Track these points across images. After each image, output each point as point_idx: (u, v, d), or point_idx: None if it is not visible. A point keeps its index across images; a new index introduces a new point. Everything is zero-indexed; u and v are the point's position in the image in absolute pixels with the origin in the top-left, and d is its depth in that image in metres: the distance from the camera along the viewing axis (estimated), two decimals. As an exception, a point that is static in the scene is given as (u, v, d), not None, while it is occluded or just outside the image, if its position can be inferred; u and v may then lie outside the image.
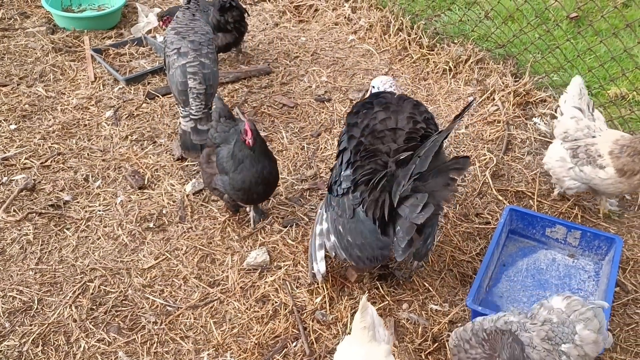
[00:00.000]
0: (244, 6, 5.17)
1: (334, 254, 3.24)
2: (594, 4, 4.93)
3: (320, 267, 3.25)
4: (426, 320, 3.24)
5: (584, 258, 3.57)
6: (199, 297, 3.39)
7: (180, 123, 4.18)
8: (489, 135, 4.51)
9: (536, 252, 3.64)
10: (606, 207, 3.87)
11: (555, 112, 3.98)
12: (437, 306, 3.33)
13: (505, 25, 5.36)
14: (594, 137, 3.59)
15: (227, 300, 3.37)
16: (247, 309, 3.31)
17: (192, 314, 3.30)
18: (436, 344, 3.11)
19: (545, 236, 3.65)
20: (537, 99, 4.81)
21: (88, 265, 3.54)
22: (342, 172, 3.11)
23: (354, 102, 4.86)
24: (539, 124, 4.59)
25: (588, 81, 4.82)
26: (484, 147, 4.40)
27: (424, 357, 3.06)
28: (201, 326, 3.24)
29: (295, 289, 3.42)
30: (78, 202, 3.95)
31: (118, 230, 3.77)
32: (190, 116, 4.03)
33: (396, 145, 2.99)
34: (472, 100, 4.28)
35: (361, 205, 3.02)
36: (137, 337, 3.18)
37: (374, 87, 3.51)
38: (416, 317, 3.26)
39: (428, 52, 5.39)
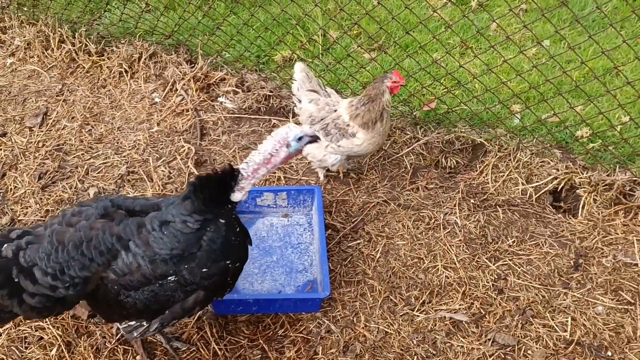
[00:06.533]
0: None
1: None
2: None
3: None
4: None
5: (296, 214, 3.91)
6: None
7: None
8: (182, 126, 4.58)
9: (255, 223, 3.86)
10: (345, 167, 4.16)
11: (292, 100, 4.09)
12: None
13: (165, 16, 5.41)
14: (335, 110, 3.79)
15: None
16: (-24, 393, 2.94)
17: None
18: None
19: (258, 206, 3.88)
20: (217, 79, 4.99)
21: None
22: None
23: (33, 129, 4.52)
24: (225, 102, 4.81)
25: (255, 52, 5.18)
26: (180, 138, 4.47)
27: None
28: None
29: (24, 350, 3.12)
30: None
31: None
32: None
33: None
34: None
35: None
36: None
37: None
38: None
39: (99, 58, 5.19)
